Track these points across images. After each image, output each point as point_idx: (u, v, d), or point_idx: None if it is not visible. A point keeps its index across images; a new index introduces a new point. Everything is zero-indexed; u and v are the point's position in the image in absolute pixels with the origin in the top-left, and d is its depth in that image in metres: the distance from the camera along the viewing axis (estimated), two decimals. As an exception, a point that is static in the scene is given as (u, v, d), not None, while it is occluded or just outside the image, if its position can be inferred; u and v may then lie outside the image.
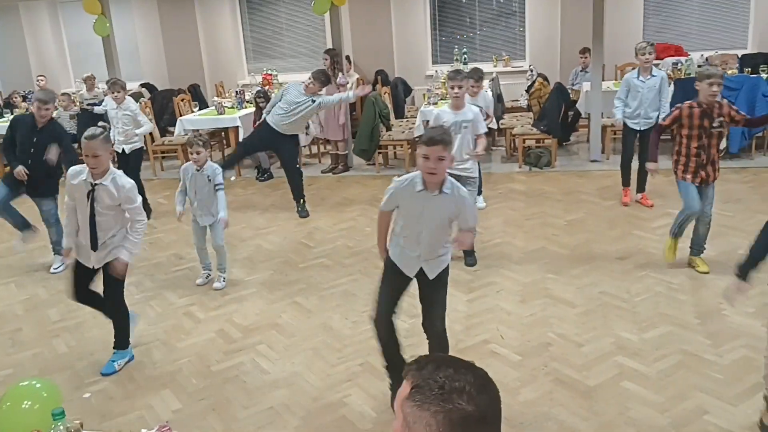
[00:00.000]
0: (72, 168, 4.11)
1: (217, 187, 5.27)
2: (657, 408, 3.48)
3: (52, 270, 6.04)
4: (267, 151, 8.25)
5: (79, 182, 4.00)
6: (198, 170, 5.26)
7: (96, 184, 3.95)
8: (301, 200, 7.20)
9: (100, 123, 8.66)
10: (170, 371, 4.23)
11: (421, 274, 3.45)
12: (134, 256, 4.15)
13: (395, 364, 3.57)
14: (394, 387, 3.53)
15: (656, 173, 5.33)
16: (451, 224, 3.41)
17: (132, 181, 4.07)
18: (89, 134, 3.91)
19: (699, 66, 8.67)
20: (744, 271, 3.25)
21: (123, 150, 7.12)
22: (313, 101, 6.80)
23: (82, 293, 4.28)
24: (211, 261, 5.56)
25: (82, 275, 4.21)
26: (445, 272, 3.51)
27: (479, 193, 6.81)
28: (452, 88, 5.21)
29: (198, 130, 8.95)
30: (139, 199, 4.09)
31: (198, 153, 5.20)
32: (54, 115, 9.39)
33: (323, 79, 6.86)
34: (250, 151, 7.69)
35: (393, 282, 3.54)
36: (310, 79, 6.84)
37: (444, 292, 3.55)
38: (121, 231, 4.10)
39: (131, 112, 7.07)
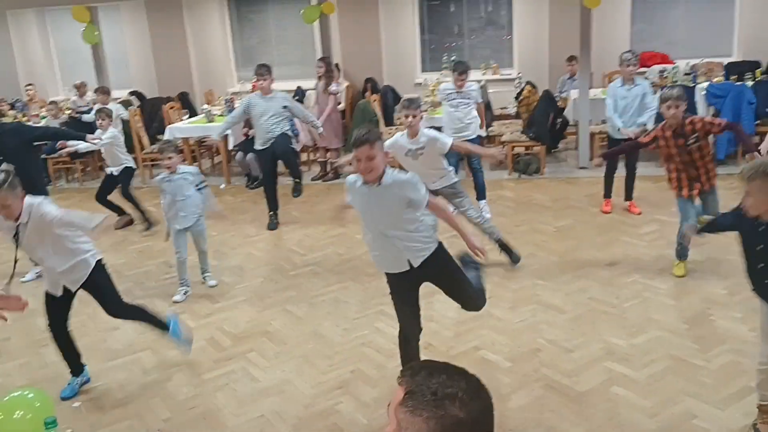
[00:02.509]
0: None
1: (200, 185, 5.36)
2: (646, 413, 3.50)
3: (21, 279, 5.80)
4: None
5: (4, 226, 3.72)
6: (171, 177, 5.30)
7: (18, 225, 3.67)
8: (298, 180, 7.02)
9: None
10: (160, 380, 4.22)
11: (412, 268, 3.41)
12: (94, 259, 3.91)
13: None
14: None
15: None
16: (412, 212, 3.34)
17: (50, 209, 3.67)
18: None
19: (686, 74, 8.77)
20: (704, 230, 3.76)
21: (111, 173, 7.08)
22: (285, 107, 6.73)
23: (58, 326, 4.01)
24: (188, 277, 5.47)
25: (55, 304, 3.97)
26: (437, 258, 3.44)
27: (483, 198, 6.83)
28: (406, 117, 4.99)
29: (187, 138, 9.02)
30: (62, 211, 3.72)
31: (170, 158, 5.28)
32: (42, 123, 9.46)
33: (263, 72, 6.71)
34: (272, 176, 7.08)
35: (399, 288, 3.54)
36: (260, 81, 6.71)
37: (454, 275, 3.54)
38: (78, 246, 3.86)
39: (111, 138, 6.84)
